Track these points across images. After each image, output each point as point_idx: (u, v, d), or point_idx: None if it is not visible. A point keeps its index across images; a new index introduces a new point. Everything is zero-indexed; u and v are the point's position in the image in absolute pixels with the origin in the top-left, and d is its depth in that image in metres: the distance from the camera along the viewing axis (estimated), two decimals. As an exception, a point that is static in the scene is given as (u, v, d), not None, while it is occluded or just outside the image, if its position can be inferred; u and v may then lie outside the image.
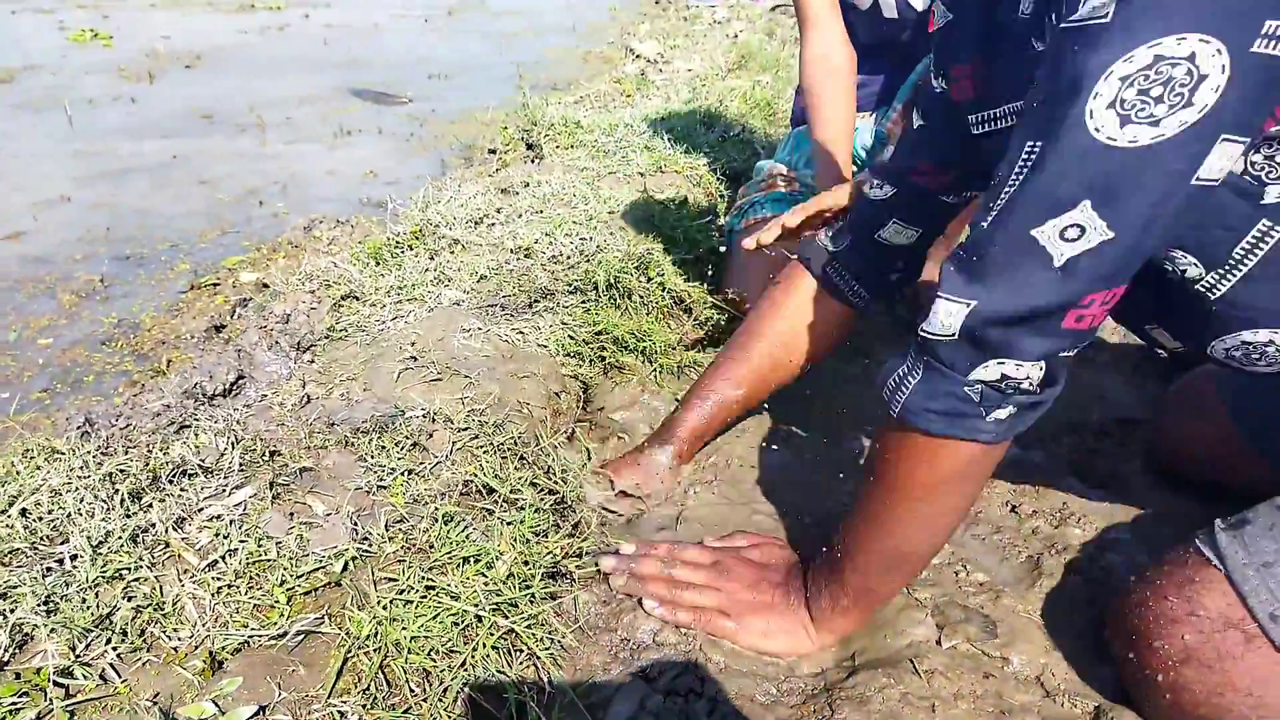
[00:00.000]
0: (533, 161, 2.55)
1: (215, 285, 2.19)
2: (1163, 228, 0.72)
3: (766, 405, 1.46)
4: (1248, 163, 0.74)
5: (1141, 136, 0.67)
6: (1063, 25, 0.69)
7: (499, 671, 0.91)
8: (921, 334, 0.83)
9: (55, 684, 0.81)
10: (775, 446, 1.44)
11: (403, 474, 1.09)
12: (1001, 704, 0.99)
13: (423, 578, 0.93)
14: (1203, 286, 0.82)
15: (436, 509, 1.02)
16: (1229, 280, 0.80)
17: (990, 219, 0.76)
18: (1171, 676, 0.88)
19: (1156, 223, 0.71)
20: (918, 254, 1.23)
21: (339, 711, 0.82)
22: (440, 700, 0.86)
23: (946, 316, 0.79)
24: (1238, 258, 0.78)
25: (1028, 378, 0.80)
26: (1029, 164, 0.73)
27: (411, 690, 0.86)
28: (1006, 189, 0.74)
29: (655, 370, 1.55)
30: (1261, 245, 0.77)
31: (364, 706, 0.83)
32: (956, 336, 0.79)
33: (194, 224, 2.62)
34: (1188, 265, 0.82)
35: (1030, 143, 0.72)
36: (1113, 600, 0.99)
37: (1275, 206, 0.75)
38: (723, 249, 1.97)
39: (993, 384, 0.81)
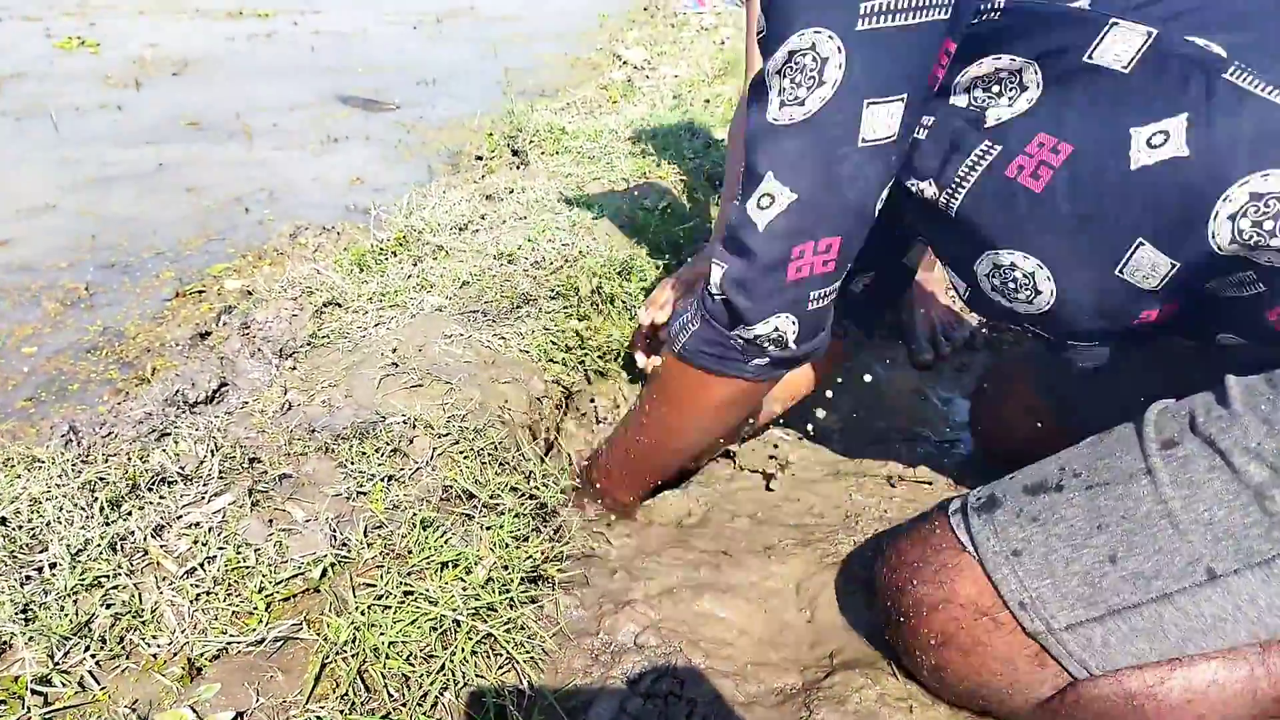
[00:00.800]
0: (518, 168, 2.56)
1: (200, 293, 2.19)
2: (851, 181, 0.85)
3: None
4: (970, 99, 0.86)
5: (796, 115, 0.83)
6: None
7: (478, 676, 0.91)
8: (703, 291, 0.99)
9: (34, 692, 0.81)
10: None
11: (382, 480, 1.09)
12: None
13: (401, 583, 0.94)
14: (941, 205, 0.91)
15: (415, 514, 1.02)
16: (958, 196, 0.89)
17: (736, 201, 0.92)
18: (933, 658, 0.93)
19: (837, 179, 0.85)
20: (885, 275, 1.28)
21: (317, 717, 0.82)
22: (419, 705, 0.87)
23: (713, 278, 0.96)
24: (962, 175, 0.88)
25: (778, 332, 0.95)
26: (746, 152, 0.89)
27: (390, 695, 0.86)
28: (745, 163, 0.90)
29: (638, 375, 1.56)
30: (981, 162, 0.87)
31: (342, 712, 0.83)
32: (720, 295, 0.95)
33: (180, 231, 2.62)
34: (922, 187, 0.92)
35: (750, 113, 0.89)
36: (877, 575, 1.02)
37: (994, 128, 0.85)
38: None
39: (750, 341, 0.97)
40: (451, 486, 1.10)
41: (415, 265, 1.75)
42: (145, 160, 3.27)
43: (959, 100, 0.87)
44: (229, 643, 0.87)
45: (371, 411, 1.23)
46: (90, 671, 0.84)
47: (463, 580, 0.96)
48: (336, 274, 1.71)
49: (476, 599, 0.95)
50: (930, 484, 1.39)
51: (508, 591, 0.98)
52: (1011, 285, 0.93)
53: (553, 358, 1.46)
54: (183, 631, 0.88)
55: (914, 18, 0.80)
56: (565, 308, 1.59)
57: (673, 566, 1.19)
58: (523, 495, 1.15)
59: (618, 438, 1.24)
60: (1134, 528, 0.83)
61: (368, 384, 1.29)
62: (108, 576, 0.92)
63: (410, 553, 0.98)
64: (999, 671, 0.89)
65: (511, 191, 2.19)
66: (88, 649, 0.85)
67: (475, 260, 1.74)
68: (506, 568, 1.01)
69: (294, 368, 1.38)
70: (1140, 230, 0.83)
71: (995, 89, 0.85)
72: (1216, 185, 0.78)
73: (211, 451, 1.11)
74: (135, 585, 0.92)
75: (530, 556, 1.05)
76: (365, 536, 1.00)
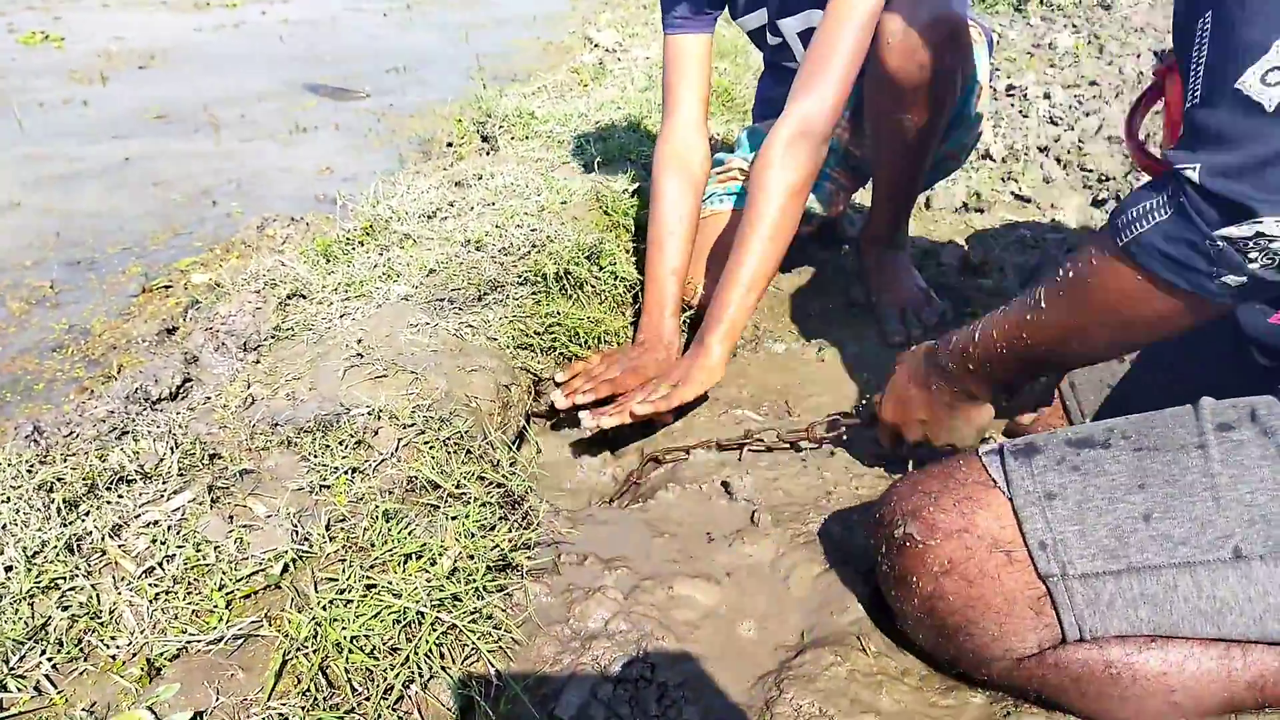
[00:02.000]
0: (487, 154, 2.54)
1: (167, 288, 2.16)
2: None
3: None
4: None
5: None
6: None
7: (443, 668, 0.90)
8: (1178, 168, 0.78)
9: (-13, 697, 0.80)
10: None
11: (346, 473, 1.08)
12: (948, 682, 1.00)
13: (363, 576, 0.93)
14: None
15: (378, 506, 1.01)
16: None
17: (1193, 100, 0.76)
18: (931, 585, 0.91)
19: None
20: None
21: (279, 714, 0.81)
22: (384, 699, 0.86)
23: (1192, 177, 0.76)
24: None
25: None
26: (1206, 34, 0.74)
27: (353, 690, 0.85)
28: (1195, 67, 0.76)
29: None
30: None
31: (304, 708, 0.82)
32: (1203, 193, 0.76)
33: (146, 226, 2.59)
34: None
35: (1201, 17, 0.75)
36: (884, 505, 1.00)
37: None
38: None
39: (1240, 242, 0.76)
40: (416, 477, 1.09)
41: (382, 254, 1.73)
42: (111, 155, 3.22)
43: None
44: (188, 642, 0.86)
45: (335, 404, 1.21)
46: (46, 675, 0.82)
47: (427, 572, 0.95)
48: (302, 265, 1.69)
49: (440, 590, 0.94)
50: (903, 462, 1.39)
51: (473, 581, 0.97)
52: None
53: (520, 344, 1.44)
54: (141, 632, 0.87)
55: None
56: (533, 293, 1.57)
57: (644, 551, 1.19)
58: (490, 484, 1.14)
59: (993, 329, 1.03)
60: (1175, 492, 0.84)
61: (332, 376, 1.28)
62: (65, 578, 0.91)
63: (373, 545, 0.97)
64: (997, 608, 0.88)
65: (480, 178, 2.17)
66: (43, 653, 0.84)
67: (443, 248, 1.73)
68: (472, 557, 1.00)
69: (257, 361, 1.37)
70: None
71: None
72: None
73: (171, 449, 1.10)
74: (93, 586, 0.91)
75: (497, 545, 1.04)
76: (327, 530, 0.99)
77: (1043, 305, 0.95)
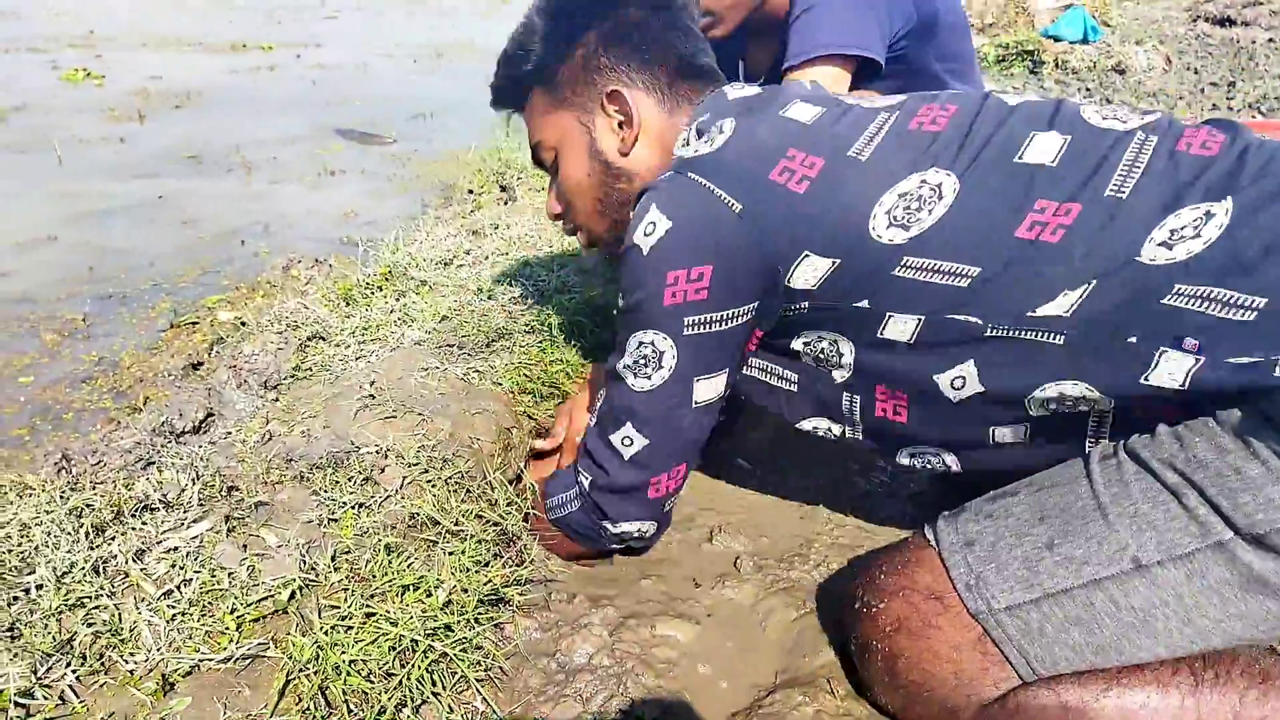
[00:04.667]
0: (505, 203, 2.64)
1: (194, 324, 2.26)
2: (690, 428, 1.12)
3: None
4: (813, 357, 1.12)
5: (644, 386, 1.09)
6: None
7: (434, 694, 0.97)
8: (578, 484, 1.20)
9: (16, 704, 0.87)
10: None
11: (353, 507, 1.16)
12: (910, 722, 1.06)
13: (363, 605, 1.00)
14: (848, 439, 1.19)
15: (380, 540, 1.09)
16: (859, 429, 1.17)
17: (593, 425, 1.18)
18: (887, 645, 1.00)
19: (678, 427, 1.12)
20: None
21: (280, 729, 0.88)
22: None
23: (584, 483, 1.18)
24: (849, 416, 1.15)
25: (640, 531, 1.19)
26: (606, 399, 1.15)
27: (350, 710, 0.92)
28: (596, 408, 1.18)
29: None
30: (854, 408, 1.13)
31: (304, 725, 0.89)
32: (591, 498, 1.18)
33: (176, 264, 2.70)
34: (829, 426, 1.20)
35: (605, 389, 1.16)
36: (851, 582, 1.11)
37: (842, 384, 1.12)
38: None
39: (616, 535, 1.19)
40: (418, 514, 1.17)
41: (399, 299, 1.82)
42: (145, 193, 3.35)
43: (808, 359, 1.13)
44: (201, 660, 0.93)
45: (347, 442, 1.29)
46: (70, 686, 0.90)
47: (422, 603, 1.02)
48: (323, 308, 1.79)
49: (434, 620, 1.01)
50: (884, 513, 1.45)
51: (465, 613, 1.04)
52: (925, 464, 1.15)
53: (524, 389, 1.52)
54: (158, 649, 0.94)
55: (725, 324, 1.06)
56: (540, 343, 1.66)
57: (631, 591, 1.26)
58: (487, 522, 1.21)
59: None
60: (1070, 519, 0.94)
61: (345, 415, 1.36)
62: (90, 597, 0.99)
63: (374, 576, 1.05)
64: (947, 656, 0.96)
65: (496, 228, 2.27)
66: (69, 665, 0.92)
67: (456, 295, 1.82)
68: (466, 591, 1.07)
69: (277, 399, 1.45)
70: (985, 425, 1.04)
71: (822, 356, 1.11)
72: (1017, 403, 1.00)
73: (193, 480, 1.18)
74: (116, 606, 0.98)
75: (490, 581, 1.11)
76: (333, 561, 1.07)
77: (534, 524, 1.30)
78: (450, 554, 1.11)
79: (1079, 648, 0.91)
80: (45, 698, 0.88)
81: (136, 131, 4.31)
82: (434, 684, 0.98)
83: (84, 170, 3.62)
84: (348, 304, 1.86)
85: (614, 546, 1.24)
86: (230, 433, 1.36)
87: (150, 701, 0.89)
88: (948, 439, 1.09)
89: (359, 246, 2.33)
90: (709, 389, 1.11)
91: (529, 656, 1.11)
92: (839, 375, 1.11)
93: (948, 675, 0.96)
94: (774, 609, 1.22)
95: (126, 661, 0.93)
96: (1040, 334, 0.94)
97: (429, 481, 1.23)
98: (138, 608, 0.98)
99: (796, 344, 1.12)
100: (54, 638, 0.94)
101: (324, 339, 1.65)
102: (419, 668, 0.96)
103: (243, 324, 2.13)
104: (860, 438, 1.16)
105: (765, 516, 1.42)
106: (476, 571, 1.11)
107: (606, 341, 1.70)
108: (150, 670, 0.92)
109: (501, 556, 1.18)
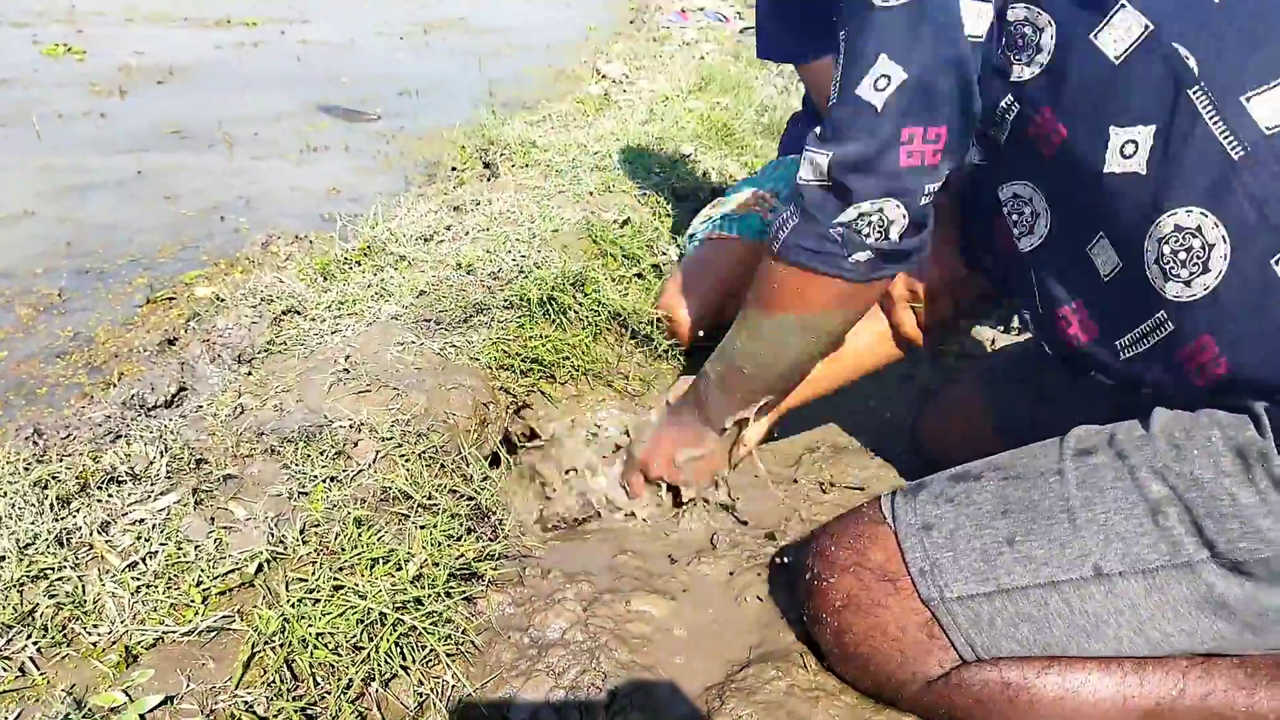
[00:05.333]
0: (488, 180, 2.62)
1: (171, 299, 2.24)
2: (959, 66, 0.90)
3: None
4: (1002, 40, 0.94)
5: None
6: None
7: (402, 667, 0.96)
8: (798, 183, 1.00)
9: (-26, 676, 0.86)
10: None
11: (324, 481, 1.14)
12: (881, 701, 1.05)
13: (331, 578, 0.99)
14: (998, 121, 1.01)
15: (350, 513, 1.07)
16: (1003, 129, 1.00)
17: (833, 99, 0.95)
18: (836, 620, 1.00)
19: (948, 61, 0.89)
20: None
21: (244, 702, 0.87)
22: (344, 693, 0.92)
23: (810, 167, 0.97)
24: (1000, 112, 0.98)
25: (883, 216, 0.95)
26: (842, 49, 0.93)
27: (316, 683, 0.91)
28: (837, 73, 0.94)
29: (589, 383, 1.62)
30: (1009, 112, 0.97)
31: (268, 698, 0.88)
32: (824, 181, 0.96)
33: (155, 239, 2.67)
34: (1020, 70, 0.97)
35: (840, 35, 0.94)
36: (805, 552, 1.09)
37: (1015, 84, 0.95)
38: (665, 266, 2.04)
39: (853, 226, 0.96)
40: (390, 487, 1.15)
41: (377, 274, 1.80)
42: (125, 168, 3.31)
43: (988, 46, 0.94)
44: (165, 632, 0.92)
45: (319, 416, 1.28)
46: (31, 658, 0.89)
47: (392, 576, 1.01)
48: (300, 283, 1.77)
49: (404, 594, 1.00)
50: (861, 490, 1.45)
51: (435, 587, 1.03)
52: (1016, 216, 1.05)
53: (501, 365, 1.51)
54: (122, 621, 0.93)
55: None
56: (518, 318, 1.64)
57: (606, 567, 1.25)
58: (460, 496, 1.20)
59: (714, 361, 1.22)
60: (1035, 517, 0.91)
61: (318, 389, 1.35)
62: (53, 569, 0.97)
63: (343, 550, 1.03)
64: (894, 635, 0.95)
65: (478, 204, 2.24)
66: (29, 637, 0.90)
67: (435, 270, 1.80)
68: (437, 565, 1.06)
69: (250, 373, 1.43)
70: (1099, 223, 0.93)
71: (1018, 43, 0.93)
72: (1157, 210, 0.86)
73: (161, 453, 1.16)
74: (79, 578, 0.97)
75: (462, 555, 1.10)
76: (301, 534, 1.05)
77: (742, 323, 1.15)
78: (422, 528, 1.10)
79: (1026, 643, 0.91)
80: (4, 670, 0.87)
81: (118, 106, 4.26)
82: (403, 658, 0.97)
83: (63, 145, 3.57)
84: (325, 279, 1.84)
85: (853, 264, 0.99)
86: (201, 406, 1.34)
87: (112, 673, 0.88)
88: (1062, 212, 0.97)
89: (338, 223, 2.30)
90: (975, 17, 0.90)
91: (501, 631, 1.10)
92: (1017, 72, 0.94)
93: (893, 652, 0.96)
94: (749, 584, 1.22)
95: (89, 633, 0.92)
96: (1228, 136, 0.82)
97: (402, 456, 1.22)
98: (102, 580, 0.97)
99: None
100: (15, 609, 0.92)
101: (299, 313, 1.63)
102: (387, 641, 0.95)
103: (220, 299, 2.11)
104: (1001, 138, 1.00)
105: (742, 494, 1.41)
106: (448, 546, 1.10)
107: (587, 317, 1.69)
108: (113, 642, 0.91)
109: (475, 531, 1.17)
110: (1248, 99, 0.81)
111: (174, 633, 0.92)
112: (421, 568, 1.04)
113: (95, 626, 0.92)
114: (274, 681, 0.89)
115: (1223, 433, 0.86)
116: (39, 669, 0.88)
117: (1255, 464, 0.83)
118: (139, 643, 0.91)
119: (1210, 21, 0.82)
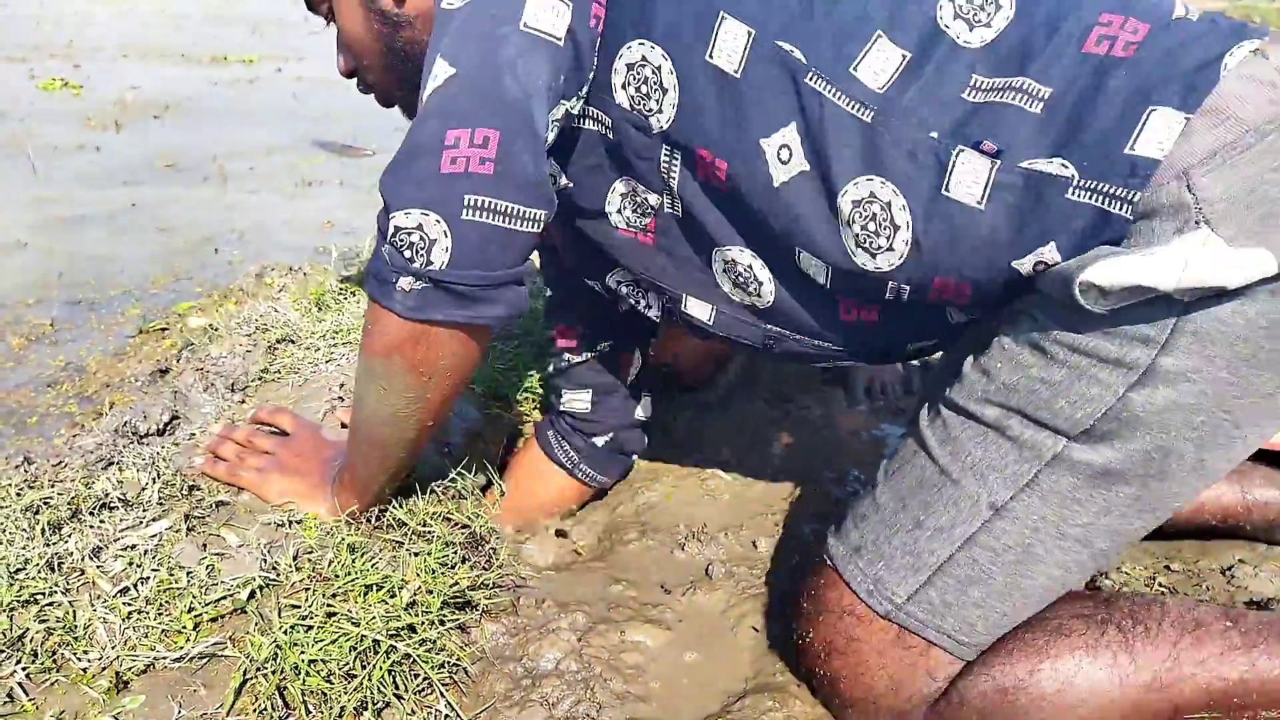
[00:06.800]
0: (482, 213, 2.63)
1: (164, 330, 2.23)
2: (511, 66, 0.83)
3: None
4: (629, 99, 0.94)
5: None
6: None
7: (396, 695, 0.95)
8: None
9: (-39, 702, 0.85)
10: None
11: (318, 508, 1.14)
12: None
13: (325, 604, 0.98)
14: (668, 211, 1.02)
15: (343, 540, 1.07)
16: (678, 200, 1.00)
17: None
18: (825, 670, 1.00)
19: (496, 60, 0.83)
20: None
21: (235, 729, 0.86)
22: (337, 720, 0.91)
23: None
24: (666, 179, 0.98)
25: (422, 232, 0.82)
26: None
27: (308, 711, 0.90)
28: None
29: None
30: (673, 168, 0.97)
31: (260, 725, 0.87)
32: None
33: (148, 270, 2.67)
34: (649, 198, 1.01)
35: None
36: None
37: (660, 134, 0.94)
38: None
39: (394, 242, 0.84)
40: (385, 514, 1.15)
41: (371, 305, 1.81)
42: (119, 200, 3.32)
43: (622, 100, 0.94)
44: (156, 658, 0.91)
45: (314, 443, 1.27)
46: (20, 683, 0.87)
47: (386, 603, 1.01)
48: (294, 312, 1.77)
49: (398, 621, 0.99)
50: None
51: (429, 614, 1.03)
52: (742, 279, 1.03)
53: (496, 393, 1.51)
54: (113, 647, 0.92)
55: None
56: (514, 348, 1.65)
57: (600, 597, 1.24)
58: (454, 524, 1.20)
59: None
60: (925, 492, 0.95)
61: (313, 417, 1.34)
62: (44, 594, 0.96)
63: (337, 576, 1.03)
64: (877, 665, 0.96)
65: (472, 236, 2.25)
66: (19, 662, 0.89)
67: (429, 301, 1.80)
68: (431, 592, 1.05)
69: (243, 401, 1.43)
70: (795, 238, 0.94)
71: (644, 89, 0.93)
72: (832, 196, 0.90)
73: (153, 479, 1.16)
74: (70, 603, 0.96)
75: (456, 583, 1.09)
76: (294, 561, 1.05)
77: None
78: (416, 555, 1.10)
79: (982, 602, 0.92)
80: (-8, 696, 0.86)
81: (113, 140, 4.28)
82: (396, 686, 0.96)
83: (58, 178, 3.58)
84: (319, 308, 1.84)
85: (401, 295, 0.85)
86: (194, 434, 1.34)
87: (102, 699, 0.87)
88: (763, 237, 0.97)
89: (333, 253, 2.31)
90: (546, 12, 0.85)
91: (495, 660, 1.10)
92: (656, 122, 0.93)
93: (883, 682, 0.97)
94: (745, 615, 1.21)
95: (79, 659, 0.91)
96: (854, 105, 0.86)
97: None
98: (93, 605, 0.96)
99: (622, 58, 0.92)
100: (4, 634, 0.91)
101: (293, 342, 1.63)
102: (380, 669, 0.94)
103: (213, 329, 2.11)
104: (679, 213, 1.00)
105: (739, 524, 1.41)
106: (443, 573, 1.09)
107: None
108: (104, 668, 0.90)
109: (469, 560, 1.17)
110: (854, 69, 0.86)
111: (165, 659, 0.91)
112: (415, 595, 1.04)
113: (86, 652, 0.91)
114: (265, 709, 0.88)
115: (1012, 338, 0.90)
116: (28, 695, 0.87)
117: (1048, 345, 0.87)
118: (130, 669, 0.90)
119: (795, 19, 0.88)
